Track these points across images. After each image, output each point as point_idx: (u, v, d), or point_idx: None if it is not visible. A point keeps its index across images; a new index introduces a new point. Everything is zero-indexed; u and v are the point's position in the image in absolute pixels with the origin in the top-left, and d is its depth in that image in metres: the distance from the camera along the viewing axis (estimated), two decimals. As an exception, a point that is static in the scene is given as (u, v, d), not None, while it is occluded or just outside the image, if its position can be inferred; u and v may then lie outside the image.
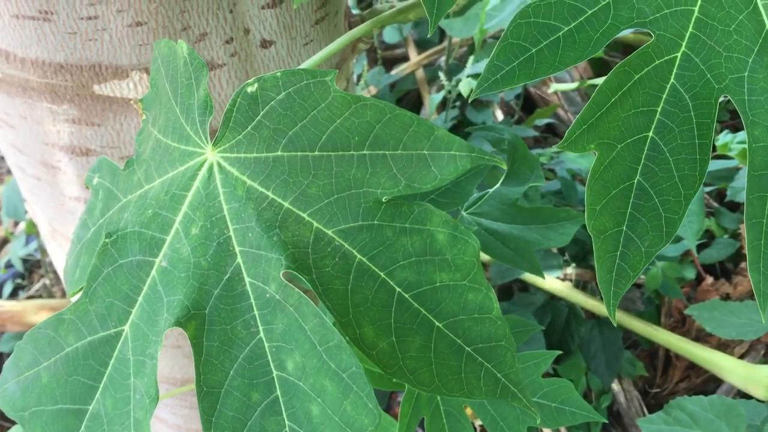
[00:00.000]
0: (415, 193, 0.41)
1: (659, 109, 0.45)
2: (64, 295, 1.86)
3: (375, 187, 0.42)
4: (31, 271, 2.00)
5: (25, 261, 1.99)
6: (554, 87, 1.89)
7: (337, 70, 0.43)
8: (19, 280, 1.96)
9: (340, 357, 0.41)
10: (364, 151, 0.42)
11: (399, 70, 2.07)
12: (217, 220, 0.45)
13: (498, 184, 0.93)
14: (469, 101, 0.55)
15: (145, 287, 0.46)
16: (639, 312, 1.55)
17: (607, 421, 0.90)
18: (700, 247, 1.56)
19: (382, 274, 0.42)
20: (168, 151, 0.49)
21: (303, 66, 0.58)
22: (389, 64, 2.24)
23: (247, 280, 0.44)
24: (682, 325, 1.56)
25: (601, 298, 0.47)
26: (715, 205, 1.67)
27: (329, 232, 0.43)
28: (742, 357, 1.48)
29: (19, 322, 1.65)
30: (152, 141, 0.51)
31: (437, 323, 0.42)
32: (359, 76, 1.95)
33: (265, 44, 0.74)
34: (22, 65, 0.70)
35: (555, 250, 1.53)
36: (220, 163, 0.46)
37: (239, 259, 0.44)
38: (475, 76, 1.69)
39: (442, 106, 1.91)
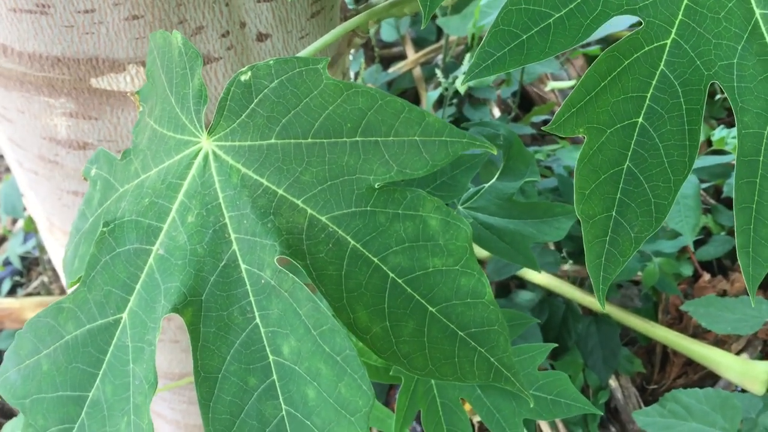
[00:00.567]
0: (407, 179, 0.41)
1: (649, 95, 0.46)
2: (62, 292, 1.86)
3: (367, 174, 0.43)
4: (30, 268, 2.00)
5: (23, 258, 1.99)
6: (551, 85, 1.90)
7: (328, 58, 0.43)
8: (17, 278, 1.96)
9: (334, 340, 0.41)
10: (357, 138, 0.43)
11: (396, 68, 2.07)
12: (212, 208, 0.46)
13: (494, 179, 0.93)
14: (462, 84, 0.55)
15: (142, 275, 0.47)
16: (636, 308, 1.56)
17: (602, 414, 0.90)
18: (697, 244, 1.57)
19: (375, 259, 0.43)
20: (164, 140, 0.49)
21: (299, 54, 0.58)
22: (386, 62, 2.25)
23: (242, 266, 0.44)
24: (679, 322, 1.56)
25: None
26: (712, 202, 1.67)
27: (323, 219, 0.43)
28: (739, 353, 1.49)
29: (17, 320, 1.66)
30: (148, 131, 0.52)
31: (430, 308, 0.42)
32: (356, 74, 1.95)
33: (261, 38, 0.75)
34: (20, 59, 0.70)
35: (552, 247, 1.53)
36: (215, 152, 0.46)
37: (235, 246, 0.45)
38: (471, 73, 1.69)
39: (439, 103, 1.91)
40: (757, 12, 0.46)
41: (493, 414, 0.77)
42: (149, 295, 0.46)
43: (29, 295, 1.92)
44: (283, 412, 0.42)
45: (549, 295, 1.52)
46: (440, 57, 2.06)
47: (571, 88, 1.88)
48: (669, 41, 0.46)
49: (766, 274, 0.47)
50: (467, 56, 1.73)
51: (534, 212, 0.93)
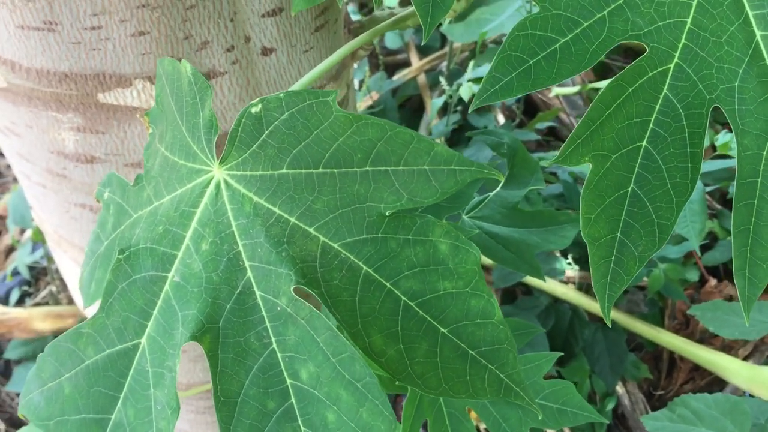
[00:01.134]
0: (417, 206, 0.43)
1: (653, 119, 0.47)
2: (70, 302, 1.86)
3: (378, 202, 0.44)
4: (38, 278, 2.00)
5: (31, 268, 1.99)
6: (556, 91, 1.90)
7: (338, 90, 0.44)
8: (25, 288, 1.96)
9: (353, 368, 0.43)
10: (367, 168, 0.44)
11: (401, 76, 2.07)
12: (226, 236, 0.47)
13: (498, 188, 0.94)
14: (469, 111, 0.56)
15: (159, 301, 0.48)
16: (642, 314, 1.55)
17: (609, 422, 0.90)
18: (703, 249, 1.57)
19: (387, 284, 0.44)
20: (176, 168, 0.50)
21: (305, 77, 0.59)
22: (391, 69, 2.25)
23: (258, 293, 0.46)
24: (685, 327, 1.56)
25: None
26: (718, 206, 1.67)
27: (336, 246, 0.44)
28: (746, 359, 1.49)
29: (26, 329, 1.66)
30: (160, 158, 0.53)
31: (442, 329, 0.44)
32: (361, 82, 1.96)
33: (265, 52, 0.75)
34: (28, 75, 0.70)
35: (558, 254, 1.53)
36: (226, 181, 0.47)
37: (249, 274, 0.46)
38: (475, 80, 1.70)
39: (444, 110, 1.91)
40: (758, 34, 0.47)
41: (499, 423, 0.78)
42: (167, 321, 0.47)
43: (37, 304, 1.92)
44: None
45: (555, 301, 1.52)
46: (445, 64, 2.07)
47: (576, 94, 1.89)
48: (672, 65, 0.47)
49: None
50: (471, 63, 1.73)
51: (539, 221, 0.93)
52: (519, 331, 0.85)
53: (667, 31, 0.47)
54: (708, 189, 1.54)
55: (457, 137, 1.86)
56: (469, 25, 1.74)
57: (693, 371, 1.55)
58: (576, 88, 1.82)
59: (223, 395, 0.45)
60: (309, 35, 0.78)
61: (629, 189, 0.47)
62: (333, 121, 0.44)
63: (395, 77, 2.08)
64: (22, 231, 2.11)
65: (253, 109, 0.45)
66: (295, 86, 0.58)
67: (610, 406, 1.45)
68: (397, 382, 0.79)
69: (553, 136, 2.02)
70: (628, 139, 0.46)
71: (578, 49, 0.46)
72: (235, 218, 0.47)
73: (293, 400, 0.44)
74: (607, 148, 0.46)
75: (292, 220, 0.45)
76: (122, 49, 0.68)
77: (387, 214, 0.43)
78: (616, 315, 1.42)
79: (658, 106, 0.46)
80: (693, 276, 1.50)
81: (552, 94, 1.90)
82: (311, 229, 0.45)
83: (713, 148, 1.58)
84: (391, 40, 2.11)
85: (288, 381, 0.44)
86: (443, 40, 2.18)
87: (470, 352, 0.43)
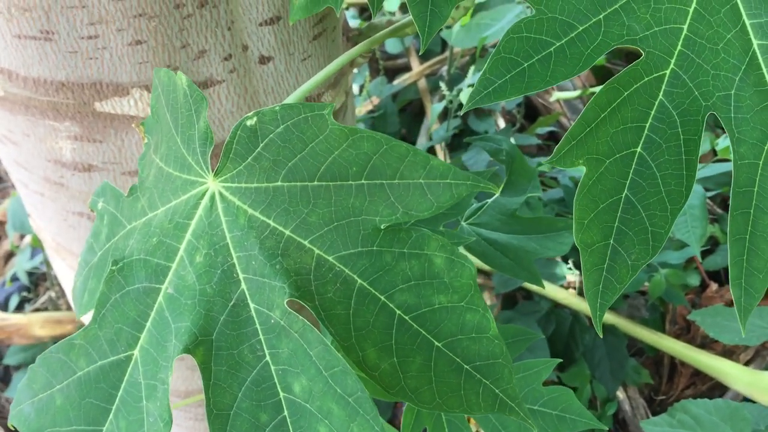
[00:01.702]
0: (412, 219, 0.42)
1: (647, 125, 0.46)
2: (69, 308, 1.86)
3: (373, 215, 0.43)
4: (37, 284, 2.01)
5: (30, 274, 1.99)
6: (556, 95, 1.90)
7: (333, 104, 0.44)
8: (24, 293, 1.97)
9: (345, 382, 0.42)
10: (362, 181, 0.44)
11: (401, 80, 2.07)
12: (220, 248, 0.46)
13: (497, 194, 0.93)
14: (461, 113, 0.56)
15: (152, 313, 0.48)
16: (643, 319, 1.55)
17: (610, 427, 0.90)
18: (705, 254, 1.56)
19: (382, 297, 0.43)
20: (170, 179, 0.50)
21: (303, 86, 0.59)
22: (391, 74, 2.25)
23: (251, 306, 0.45)
24: (686, 332, 1.55)
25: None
26: (719, 211, 1.67)
27: (330, 259, 0.44)
28: (747, 364, 1.48)
29: (25, 335, 1.66)
30: (154, 169, 0.52)
31: (437, 343, 0.43)
32: (361, 87, 1.96)
33: (263, 60, 0.75)
34: (25, 84, 0.70)
35: (558, 259, 1.53)
36: (221, 193, 0.47)
37: (243, 286, 0.46)
38: (475, 85, 1.69)
39: (444, 115, 1.91)
40: (755, 43, 0.46)
41: (498, 431, 0.77)
42: (160, 333, 0.47)
43: (37, 310, 1.92)
44: None
45: (556, 306, 1.52)
46: (445, 69, 2.07)
47: (577, 98, 1.88)
48: (668, 71, 0.46)
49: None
50: (472, 68, 1.73)
51: (537, 227, 0.93)
52: (519, 338, 0.85)
53: (663, 37, 0.46)
54: (709, 194, 1.54)
55: (458, 142, 1.86)
56: (470, 29, 1.74)
57: (694, 376, 1.54)
58: (577, 93, 1.82)
59: (215, 408, 0.44)
60: (307, 43, 0.78)
61: (623, 195, 0.46)
62: (328, 134, 0.44)
63: (396, 82, 2.08)
64: (22, 237, 2.11)
65: (248, 122, 0.45)
66: (293, 95, 0.58)
67: (610, 411, 1.45)
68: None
69: (553, 141, 2.02)
70: (622, 144, 0.46)
71: (573, 52, 0.46)
72: (229, 230, 0.46)
73: (286, 413, 0.43)
74: (602, 152, 0.46)
75: (287, 232, 0.45)
76: (119, 58, 0.68)
77: (382, 227, 0.43)
78: (617, 320, 1.42)
79: (653, 112, 0.46)
80: (694, 281, 1.50)
81: (553, 99, 1.90)
82: (306, 242, 0.44)
83: (714, 152, 1.58)
84: (392, 45, 2.11)
85: (281, 394, 0.44)
86: (444, 44, 2.19)
87: (465, 366, 0.43)
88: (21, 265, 1.92)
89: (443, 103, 1.77)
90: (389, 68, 2.26)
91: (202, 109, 0.48)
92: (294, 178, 0.45)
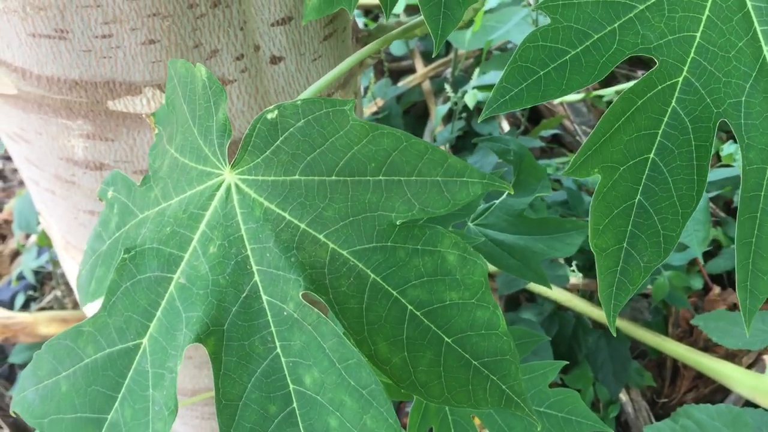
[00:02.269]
0: (428, 216, 0.43)
1: (660, 132, 0.47)
2: (75, 306, 1.87)
3: (389, 211, 0.44)
4: (43, 282, 2.01)
5: (36, 273, 2.00)
6: (560, 98, 1.90)
7: (354, 100, 0.44)
8: (30, 292, 1.97)
9: (359, 375, 0.43)
10: (380, 177, 0.44)
11: (406, 82, 2.08)
12: (234, 240, 0.47)
13: (504, 195, 0.94)
14: (479, 121, 0.56)
15: (163, 302, 0.48)
16: (646, 322, 1.55)
17: (613, 430, 0.90)
18: (708, 257, 1.56)
19: (395, 293, 0.44)
20: (186, 170, 0.50)
21: (314, 85, 0.59)
22: (396, 75, 2.26)
23: (264, 298, 0.46)
24: (689, 335, 1.56)
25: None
26: (722, 214, 1.67)
27: (344, 253, 0.45)
28: (749, 367, 1.48)
29: (31, 334, 1.67)
30: (169, 159, 0.53)
31: (447, 339, 0.44)
32: (366, 89, 1.96)
33: (274, 60, 0.76)
34: (38, 82, 0.71)
35: (562, 261, 1.54)
36: (237, 185, 0.48)
37: (257, 278, 0.46)
38: (480, 87, 1.70)
39: (449, 117, 1.92)
40: (765, 50, 0.47)
41: (504, 431, 0.78)
42: (170, 322, 0.47)
43: (42, 309, 1.93)
44: None
45: (559, 308, 1.52)
46: (449, 71, 2.07)
47: (581, 101, 1.89)
48: (681, 79, 0.47)
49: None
50: (476, 71, 1.74)
51: (544, 228, 0.93)
52: (524, 340, 0.85)
53: (676, 45, 0.47)
54: (710, 195, 1.54)
55: (462, 144, 1.87)
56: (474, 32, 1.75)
57: (696, 379, 1.55)
58: (580, 96, 1.83)
59: (224, 398, 0.45)
60: (318, 44, 0.79)
61: (636, 200, 0.47)
62: (349, 129, 0.44)
63: (400, 83, 2.08)
64: (28, 236, 2.12)
65: (269, 115, 0.46)
66: (304, 94, 0.58)
67: (613, 413, 1.45)
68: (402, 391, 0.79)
69: (557, 143, 2.03)
70: (636, 151, 0.47)
71: (588, 61, 0.47)
72: (244, 222, 0.47)
73: (295, 405, 0.44)
74: (616, 159, 0.47)
75: (302, 226, 0.45)
76: (132, 57, 0.69)
77: (397, 223, 0.44)
78: (620, 323, 1.42)
79: (666, 119, 0.47)
80: (697, 284, 1.50)
81: (556, 101, 1.91)
82: (321, 236, 0.45)
83: (718, 157, 1.58)
84: (396, 47, 2.12)
85: (291, 386, 0.44)
86: (448, 47, 2.19)
87: (474, 362, 0.44)
88: (27, 263, 1.93)
89: (447, 105, 1.77)
90: (394, 70, 2.27)
91: (221, 101, 0.48)
92: (312, 173, 0.45)
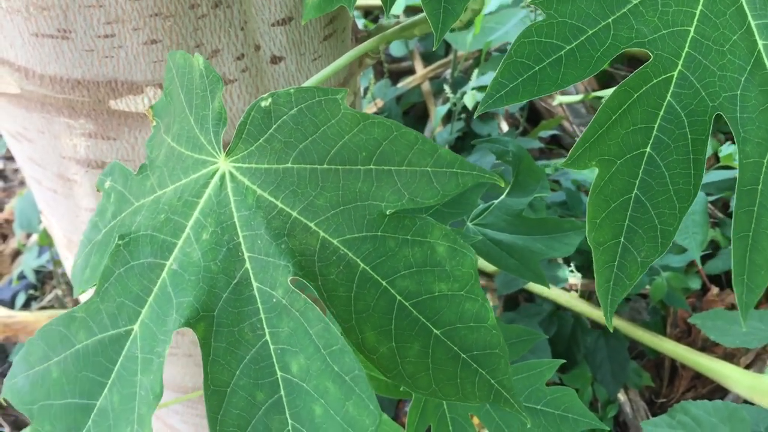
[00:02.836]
0: (418, 207, 0.43)
1: (656, 126, 0.47)
2: (75, 305, 1.88)
3: (379, 201, 0.44)
4: (44, 282, 2.02)
5: (37, 272, 2.00)
6: (559, 99, 1.91)
7: (347, 89, 0.45)
8: (31, 291, 1.98)
9: (343, 360, 0.43)
10: (371, 166, 0.45)
11: (405, 83, 2.09)
12: (227, 227, 0.47)
13: (503, 195, 0.94)
14: (475, 116, 0.57)
15: (155, 288, 0.48)
16: (644, 322, 1.56)
17: (611, 429, 0.90)
18: (706, 258, 1.57)
19: (383, 282, 0.44)
20: (181, 158, 0.51)
21: (311, 80, 0.60)
22: (395, 76, 2.26)
23: (254, 284, 0.46)
24: (687, 335, 1.56)
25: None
26: (720, 215, 1.67)
27: (335, 242, 0.45)
28: (747, 367, 1.49)
29: (31, 333, 1.67)
30: (165, 148, 0.53)
31: (435, 331, 0.44)
32: (366, 89, 1.97)
33: (275, 60, 0.76)
34: (41, 81, 0.72)
35: (561, 261, 1.54)
36: (231, 173, 0.48)
37: (248, 265, 0.46)
38: (479, 88, 1.71)
39: (448, 118, 1.93)
40: (760, 43, 0.47)
41: (502, 430, 0.78)
42: (161, 308, 0.48)
43: (43, 308, 1.93)
44: (290, 427, 0.44)
45: (557, 308, 1.52)
46: (449, 72, 2.08)
47: (580, 102, 1.90)
48: (676, 73, 0.47)
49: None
50: (475, 72, 1.74)
51: (543, 228, 0.94)
52: (521, 338, 0.85)
53: (671, 39, 0.47)
54: (711, 199, 1.55)
55: (461, 145, 1.87)
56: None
57: (695, 379, 1.55)
58: (579, 97, 1.83)
59: (213, 384, 0.45)
60: (318, 44, 0.79)
61: (633, 194, 0.47)
62: (341, 118, 0.45)
63: (399, 84, 2.09)
64: (29, 235, 2.12)
65: (263, 103, 0.46)
66: (303, 89, 0.59)
67: (611, 413, 1.45)
68: (401, 389, 0.80)
69: (556, 145, 2.03)
70: (632, 144, 0.47)
71: (583, 56, 0.47)
72: (237, 209, 0.47)
73: (282, 392, 0.44)
74: (613, 153, 0.47)
75: (294, 214, 0.46)
76: (134, 56, 0.70)
77: (387, 213, 0.44)
78: (619, 323, 1.42)
79: (661, 113, 0.47)
80: (695, 284, 1.50)
81: (555, 103, 1.91)
82: (312, 224, 0.45)
83: (717, 158, 1.59)
84: (396, 48, 2.13)
85: (278, 373, 0.44)
86: (447, 48, 2.20)
87: (462, 355, 0.43)
88: (28, 263, 1.93)
89: (447, 106, 1.78)
90: (393, 71, 2.27)
91: (218, 90, 0.48)
92: (304, 161, 0.46)
